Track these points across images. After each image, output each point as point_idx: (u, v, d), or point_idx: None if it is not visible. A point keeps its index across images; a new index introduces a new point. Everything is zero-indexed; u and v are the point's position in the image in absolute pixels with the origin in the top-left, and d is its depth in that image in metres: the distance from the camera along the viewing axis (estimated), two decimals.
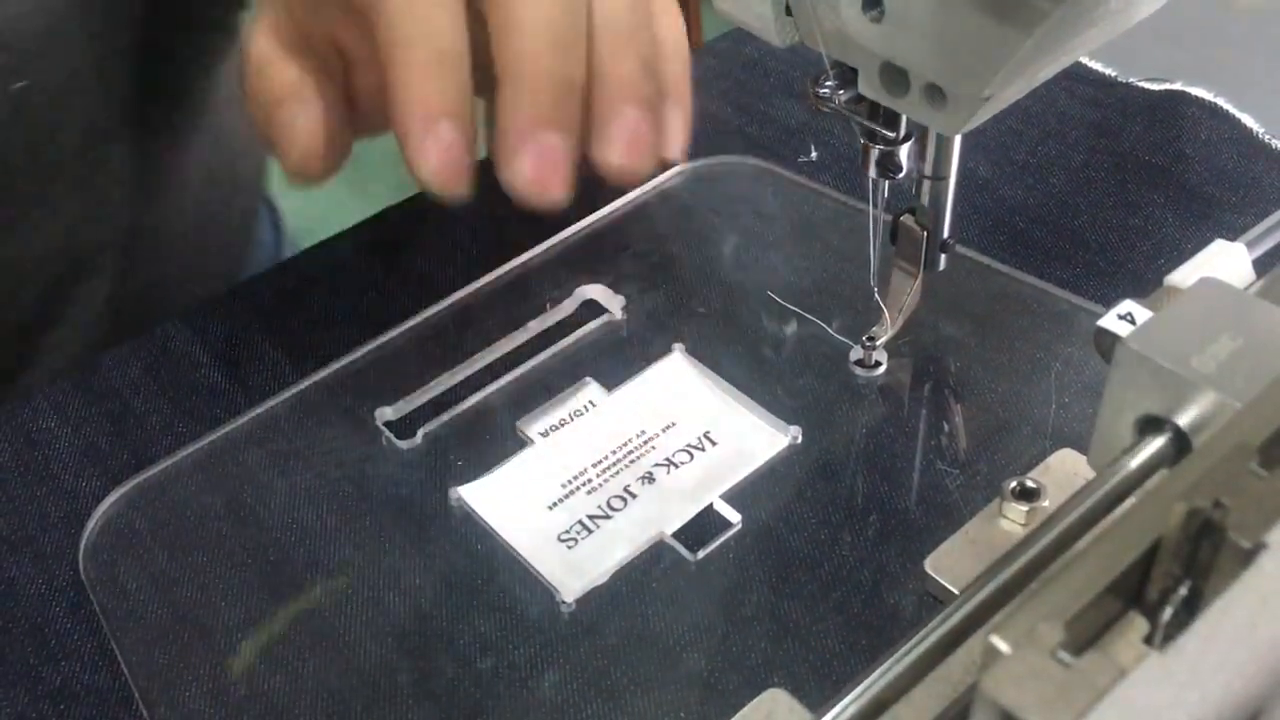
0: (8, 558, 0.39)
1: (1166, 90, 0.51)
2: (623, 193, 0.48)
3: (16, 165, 0.48)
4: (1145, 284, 0.37)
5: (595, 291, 0.45)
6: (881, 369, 0.41)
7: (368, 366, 0.43)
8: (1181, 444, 0.27)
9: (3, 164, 0.48)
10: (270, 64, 0.37)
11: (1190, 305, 0.28)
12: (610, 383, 0.41)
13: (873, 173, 0.37)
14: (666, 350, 0.42)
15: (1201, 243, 0.33)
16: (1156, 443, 0.27)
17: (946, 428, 0.39)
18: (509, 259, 0.46)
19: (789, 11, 0.33)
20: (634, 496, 0.38)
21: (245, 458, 0.40)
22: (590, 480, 0.38)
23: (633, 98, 0.36)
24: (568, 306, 0.44)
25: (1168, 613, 0.21)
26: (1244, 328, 0.26)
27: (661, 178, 0.49)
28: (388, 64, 0.35)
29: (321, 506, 0.39)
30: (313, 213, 0.72)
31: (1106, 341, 0.30)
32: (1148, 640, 0.21)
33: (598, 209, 0.47)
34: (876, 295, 0.40)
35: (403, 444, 0.40)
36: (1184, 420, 0.26)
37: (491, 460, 0.39)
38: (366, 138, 0.39)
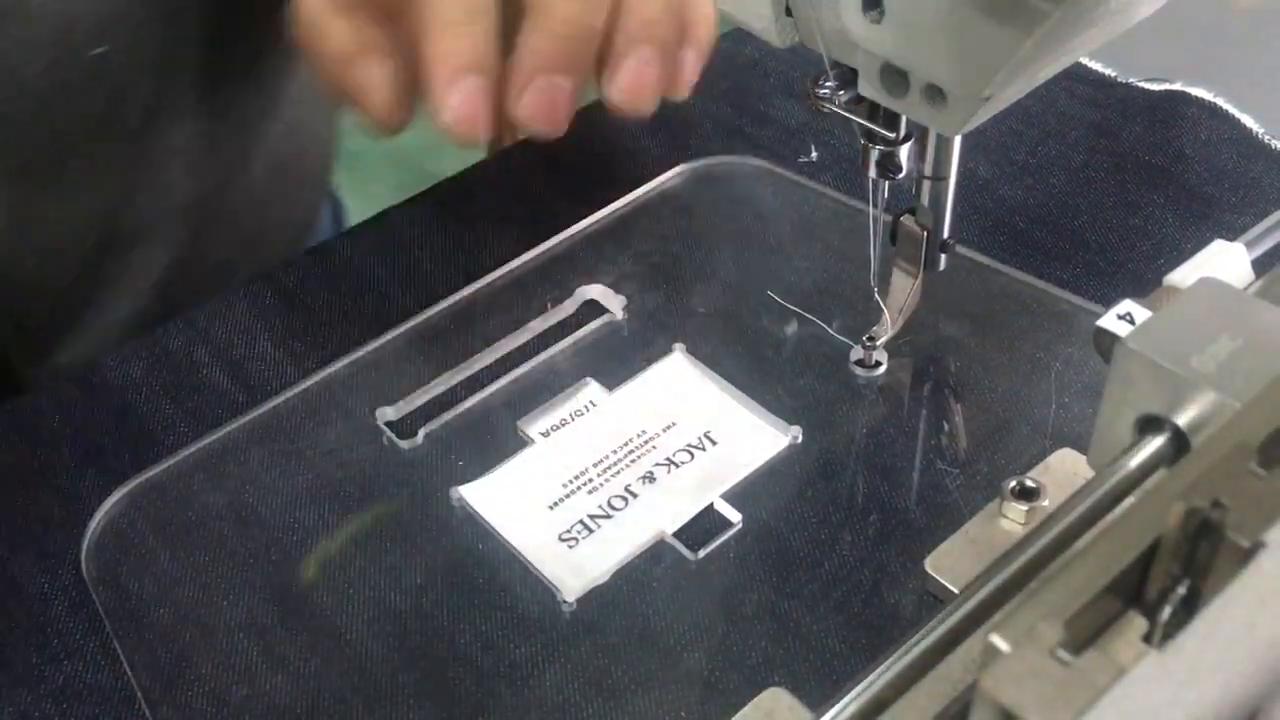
0: (10, 557, 0.39)
1: (1166, 90, 0.51)
2: (623, 193, 0.48)
3: (82, 129, 0.49)
4: (1145, 284, 0.37)
5: (596, 291, 0.45)
6: (882, 369, 0.41)
7: (369, 366, 0.43)
8: (1181, 444, 0.27)
9: (70, 126, 0.49)
10: (326, 22, 0.39)
11: (1189, 305, 0.28)
12: (611, 383, 0.41)
13: (873, 173, 0.37)
14: (667, 350, 0.42)
15: (1201, 243, 0.33)
16: (1156, 442, 0.27)
17: (946, 427, 0.39)
18: (510, 259, 0.46)
19: (789, 12, 0.34)
20: (635, 496, 0.38)
21: (247, 457, 0.40)
22: (591, 480, 0.38)
23: (650, 39, 0.38)
24: (568, 306, 0.44)
25: (1167, 612, 0.21)
26: (1243, 328, 0.27)
27: (662, 178, 0.49)
28: (417, 17, 0.37)
29: (323, 506, 0.39)
30: None
31: (1106, 341, 0.30)
32: (1147, 639, 0.21)
33: (598, 209, 0.48)
34: (877, 295, 0.40)
35: (404, 444, 0.40)
36: (1183, 420, 0.26)
37: (492, 460, 0.39)
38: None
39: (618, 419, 0.40)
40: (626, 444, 0.39)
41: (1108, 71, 0.53)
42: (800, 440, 0.39)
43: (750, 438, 0.39)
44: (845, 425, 0.40)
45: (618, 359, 0.42)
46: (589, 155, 0.48)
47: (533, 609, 0.36)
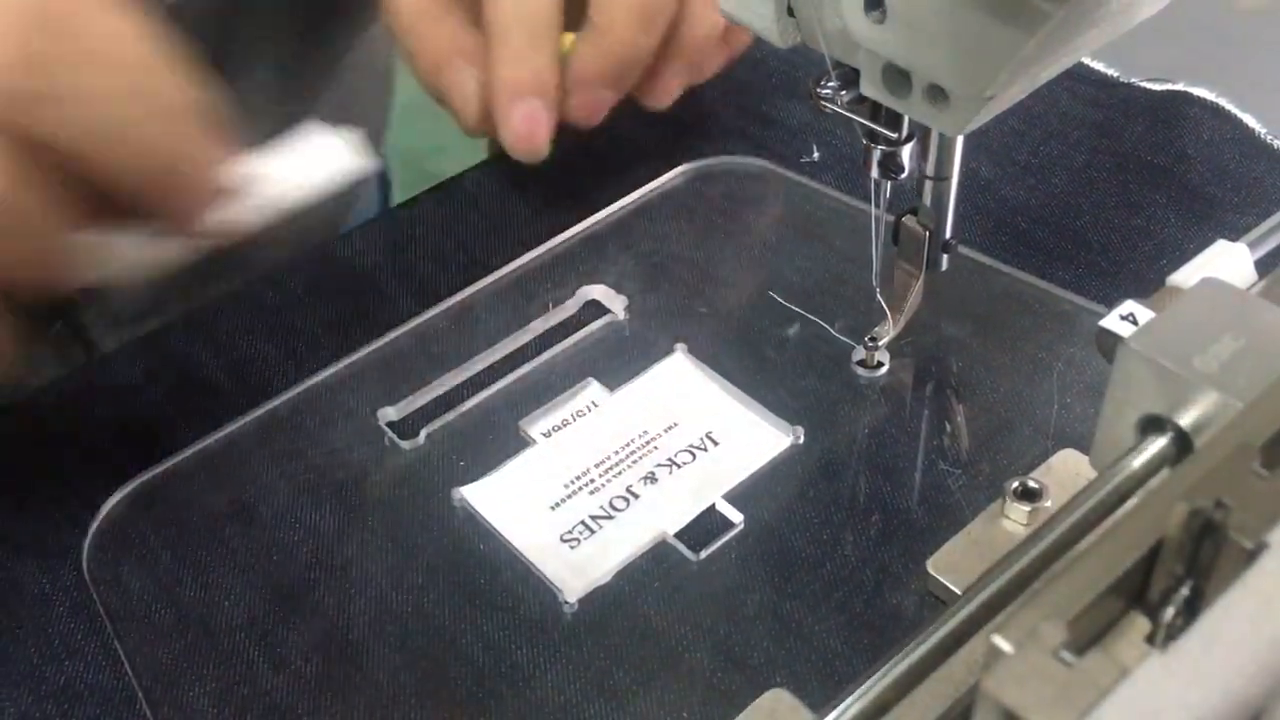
0: (12, 557, 0.39)
1: (1168, 90, 0.51)
2: (625, 193, 0.48)
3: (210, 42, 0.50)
4: (1147, 284, 0.37)
5: (597, 292, 0.45)
6: (884, 369, 0.41)
7: (370, 367, 0.43)
8: (1183, 444, 0.27)
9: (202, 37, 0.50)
10: (425, 25, 0.42)
11: (1192, 306, 0.28)
12: (612, 383, 0.41)
13: (875, 173, 0.37)
14: (669, 350, 0.42)
15: (1203, 243, 0.33)
16: (1158, 443, 0.27)
17: (949, 428, 0.39)
18: (511, 259, 0.46)
19: (791, 12, 0.34)
20: (636, 496, 0.38)
21: (249, 458, 0.40)
22: (593, 480, 0.38)
23: (693, 56, 0.44)
24: (570, 307, 0.44)
25: (1169, 613, 0.21)
26: (1246, 328, 0.27)
27: (664, 178, 0.49)
28: (487, 37, 0.41)
29: (324, 506, 0.39)
30: None
31: (1108, 342, 0.30)
32: (1150, 640, 0.21)
33: (600, 209, 0.48)
34: (879, 296, 0.40)
35: (405, 444, 0.40)
36: (1186, 420, 0.26)
37: (494, 460, 0.39)
38: None
39: (619, 419, 0.40)
40: (628, 444, 0.39)
41: (1110, 72, 0.52)
42: (802, 441, 0.39)
43: (752, 438, 0.39)
44: (847, 426, 0.40)
45: (619, 359, 0.42)
46: (591, 155, 0.48)
47: (534, 609, 0.35)
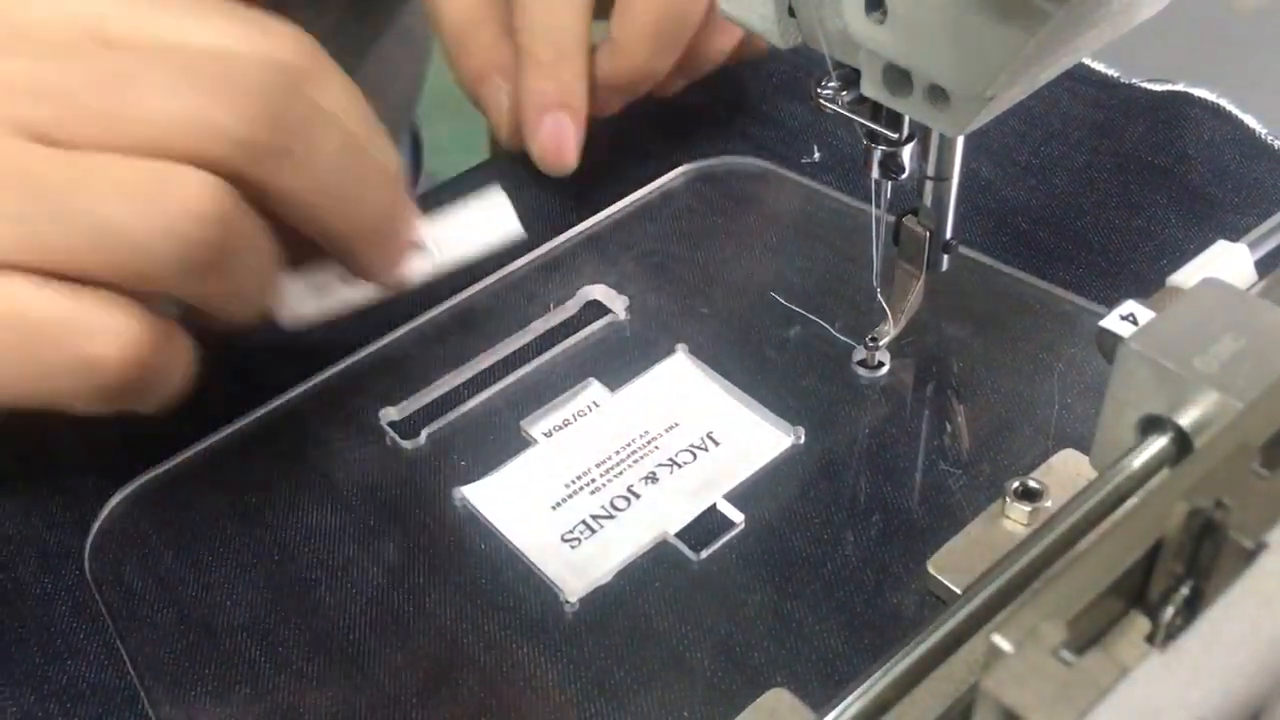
0: (14, 557, 0.39)
1: (1169, 91, 0.51)
2: (626, 193, 0.48)
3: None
4: (1147, 285, 0.37)
5: (598, 292, 0.45)
6: (884, 369, 0.41)
7: (372, 367, 0.43)
8: (1183, 444, 0.27)
9: None
10: (469, 37, 0.43)
11: (1192, 306, 0.28)
12: (613, 383, 0.41)
13: (875, 174, 0.37)
14: (670, 350, 0.42)
15: (1204, 243, 0.33)
16: (1158, 443, 0.27)
17: (949, 428, 0.39)
18: (512, 259, 0.46)
19: (792, 13, 0.34)
20: (637, 496, 0.38)
21: (250, 458, 0.40)
22: (594, 480, 0.38)
23: (704, 71, 0.46)
24: (571, 307, 0.44)
25: (1169, 612, 0.21)
26: (1246, 328, 0.27)
27: (664, 178, 0.49)
28: (518, 51, 0.42)
29: (326, 506, 0.39)
30: None
31: (1109, 342, 0.30)
32: (1150, 639, 0.21)
33: (601, 210, 0.48)
34: (879, 296, 0.40)
35: (406, 444, 0.40)
36: (1186, 420, 0.26)
37: (495, 460, 0.39)
38: None
39: (620, 419, 0.40)
40: (629, 444, 0.39)
41: (1110, 72, 0.53)
42: (803, 441, 0.39)
43: (753, 438, 0.39)
44: (848, 426, 0.40)
45: (620, 359, 0.42)
46: (591, 156, 0.48)
47: (535, 609, 0.36)
